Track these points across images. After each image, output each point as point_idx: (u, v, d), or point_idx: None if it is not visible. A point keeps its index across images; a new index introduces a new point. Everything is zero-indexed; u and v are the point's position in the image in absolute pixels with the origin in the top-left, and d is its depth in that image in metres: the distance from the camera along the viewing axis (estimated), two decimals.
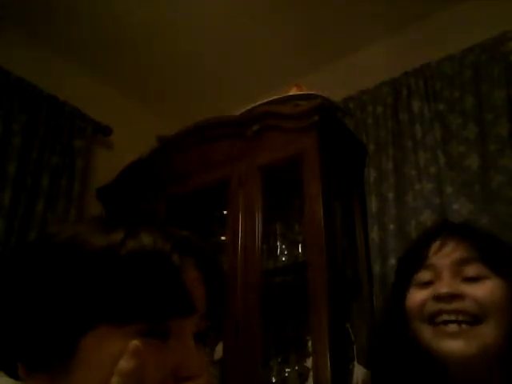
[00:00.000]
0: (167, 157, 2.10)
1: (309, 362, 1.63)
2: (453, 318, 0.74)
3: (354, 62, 2.26)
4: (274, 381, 1.68)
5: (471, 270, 0.78)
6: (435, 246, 0.82)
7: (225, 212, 1.89)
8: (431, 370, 0.77)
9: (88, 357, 0.44)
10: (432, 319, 0.77)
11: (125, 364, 0.42)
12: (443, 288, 0.77)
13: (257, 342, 1.57)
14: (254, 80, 2.45)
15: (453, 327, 0.74)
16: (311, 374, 1.49)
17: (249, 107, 1.91)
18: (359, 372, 1.45)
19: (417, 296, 0.80)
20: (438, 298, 0.76)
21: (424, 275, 0.81)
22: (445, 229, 0.85)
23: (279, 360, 1.73)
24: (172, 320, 0.46)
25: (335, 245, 1.63)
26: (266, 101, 1.89)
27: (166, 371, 0.45)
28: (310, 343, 1.56)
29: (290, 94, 1.90)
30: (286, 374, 1.69)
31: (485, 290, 0.75)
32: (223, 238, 1.92)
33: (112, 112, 2.44)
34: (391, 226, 1.77)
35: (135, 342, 0.42)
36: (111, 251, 0.46)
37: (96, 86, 2.45)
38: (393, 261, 1.72)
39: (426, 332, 0.77)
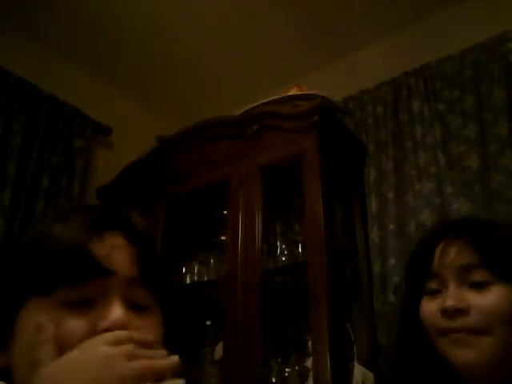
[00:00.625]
0: (167, 157, 2.10)
1: (309, 362, 1.63)
2: (459, 335, 0.75)
3: (354, 62, 2.26)
4: (273, 381, 1.68)
5: (476, 276, 0.77)
6: (438, 251, 0.81)
7: (225, 212, 1.89)
8: (452, 379, 0.78)
9: (20, 328, 0.50)
10: (442, 333, 0.78)
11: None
12: (449, 300, 0.76)
13: (257, 342, 1.57)
14: (253, 80, 2.45)
15: (460, 339, 0.75)
16: (311, 373, 1.49)
17: (249, 107, 1.91)
18: (359, 372, 1.45)
19: (427, 308, 0.81)
20: (444, 312, 0.77)
21: (431, 284, 0.81)
22: (446, 231, 0.84)
23: (279, 360, 1.73)
24: (88, 284, 0.51)
25: (335, 245, 1.63)
26: (265, 101, 1.89)
27: (86, 329, 0.49)
28: (309, 343, 1.56)
29: (290, 94, 1.90)
30: (286, 374, 1.69)
31: (491, 299, 0.75)
32: (223, 237, 1.92)
33: (112, 112, 2.44)
34: (391, 226, 1.77)
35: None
36: (40, 237, 0.54)
37: (96, 86, 2.45)
38: (393, 261, 1.72)
39: (440, 344, 0.78)
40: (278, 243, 1.81)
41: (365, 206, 1.87)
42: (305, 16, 2.11)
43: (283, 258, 1.78)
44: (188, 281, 2.01)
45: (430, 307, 0.80)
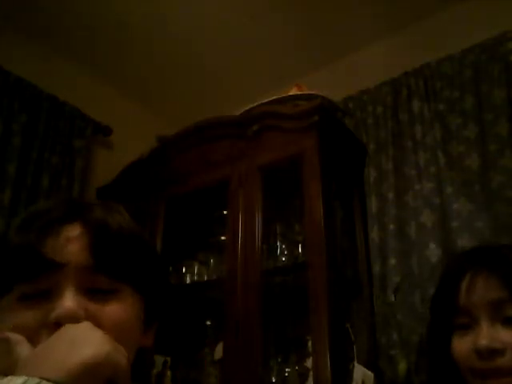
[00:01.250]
0: (167, 157, 2.10)
1: (309, 362, 1.63)
2: (501, 381, 0.72)
3: (354, 62, 2.26)
4: (273, 381, 1.68)
5: (509, 311, 0.74)
6: (464, 286, 0.78)
7: (225, 212, 1.89)
8: None
9: None
10: (479, 375, 0.74)
11: None
12: (482, 340, 0.73)
13: (257, 342, 1.57)
14: (253, 80, 2.45)
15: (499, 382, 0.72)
16: (311, 373, 1.49)
17: (249, 107, 1.91)
18: (359, 372, 1.45)
19: (460, 346, 0.77)
20: (479, 353, 0.73)
21: (461, 319, 0.78)
22: (470, 263, 0.80)
23: (279, 360, 1.73)
24: (42, 277, 0.52)
25: (335, 245, 1.63)
26: (266, 101, 1.89)
27: (38, 320, 0.50)
28: (309, 343, 1.56)
29: (290, 94, 1.90)
30: (286, 374, 1.69)
31: None
32: (223, 237, 1.92)
33: (112, 112, 2.44)
34: (391, 226, 1.77)
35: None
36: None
37: (96, 86, 2.45)
38: (393, 261, 1.72)
39: None
40: (278, 243, 1.81)
41: (365, 206, 1.87)
42: (305, 16, 2.11)
43: (283, 258, 1.78)
44: (188, 281, 2.00)
45: (462, 345, 0.77)
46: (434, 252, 1.63)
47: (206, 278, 1.98)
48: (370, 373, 1.47)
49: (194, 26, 2.17)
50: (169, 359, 1.89)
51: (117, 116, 2.46)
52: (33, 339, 0.49)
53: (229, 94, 2.52)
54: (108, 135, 2.39)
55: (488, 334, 0.73)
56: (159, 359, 1.87)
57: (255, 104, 1.90)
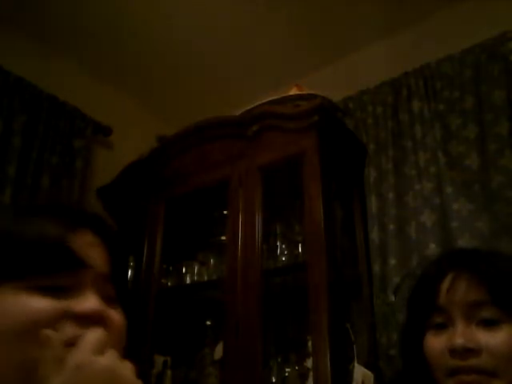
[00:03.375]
0: (167, 157, 2.10)
1: (309, 362, 1.63)
2: (471, 377, 0.72)
3: (354, 62, 2.26)
4: (273, 381, 1.68)
5: (486, 313, 0.74)
6: (445, 286, 0.78)
7: (225, 212, 1.89)
8: None
9: None
10: (451, 373, 0.74)
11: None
12: (458, 338, 0.73)
13: (257, 342, 1.57)
14: (254, 80, 2.45)
15: (472, 381, 0.72)
16: (311, 373, 1.49)
17: (249, 107, 1.91)
18: (359, 372, 1.45)
19: (433, 344, 0.78)
20: (453, 351, 0.74)
21: (437, 319, 0.78)
22: (451, 265, 0.81)
23: (279, 360, 1.73)
24: (65, 274, 0.53)
25: (335, 245, 1.63)
26: (265, 101, 1.89)
27: (58, 313, 0.50)
28: (310, 343, 1.56)
29: (290, 94, 1.90)
30: (286, 374, 1.69)
31: (502, 340, 0.72)
32: (223, 237, 1.92)
33: (112, 112, 2.44)
34: (391, 226, 1.77)
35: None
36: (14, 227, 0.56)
37: (96, 86, 2.45)
38: (393, 261, 1.72)
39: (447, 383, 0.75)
40: (278, 243, 1.81)
41: (365, 206, 1.87)
42: (305, 16, 2.11)
43: (283, 258, 1.78)
44: (188, 281, 2.00)
45: (436, 344, 0.77)
46: (433, 252, 1.63)
47: (206, 278, 1.98)
48: (370, 373, 1.47)
49: (194, 25, 2.17)
50: (169, 359, 1.89)
51: (117, 116, 2.46)
52: (52, 326, 0.49)
53: (229, 94, 2.52)
54: (108, 135, 2.39)
55: (464, 333, 0.74)
56: (159, 359, 1.87)
57: (255, 104, 1.90)
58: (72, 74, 2.34)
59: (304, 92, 1.89)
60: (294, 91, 1.91)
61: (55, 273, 0.52)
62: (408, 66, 1.96)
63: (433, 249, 1.64)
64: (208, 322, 2.05)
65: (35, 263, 0.52)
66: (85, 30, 2.19)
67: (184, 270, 2.03)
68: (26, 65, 2.11)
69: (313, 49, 2.28)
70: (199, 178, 1.95)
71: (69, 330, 0.49)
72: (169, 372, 1.88)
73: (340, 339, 1.48)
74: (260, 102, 1.90)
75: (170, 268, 2.05)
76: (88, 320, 0.51)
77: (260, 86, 2.41)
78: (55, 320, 0.49)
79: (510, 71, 1.70)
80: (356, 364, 1.46)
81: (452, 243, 1.62)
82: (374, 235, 1.79)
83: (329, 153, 1.73)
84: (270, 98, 1.89)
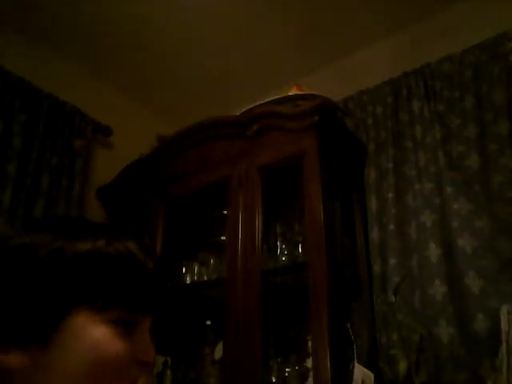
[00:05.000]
0: (167, 157, 2.10)
1: (309, 362, 1.63)
2: None
3: (354, 62, 2.26)
4: (273, 381, 1.68)
5: None
6: None
7: (225, 212, 1.89)
8: None
9: (66, 339, 0.50)
10: None
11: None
12: None
13: (257, 342, 1.57)
14: (253, 80, 2.45)
15: None
16: (311, 374, 1.49)
17: (249, 107, 1.91)
18: (359, 372, 1.45)
19: None
20: None
21: None
22: None
23: (279, 360, 1.73)
24: (141, 315, 0.55)
25: (335, 245, 1.63)
26: (265, 101, 1.89)
27: (130, 355, 0.53)
28: (310, 343, 1.56)
29: (290, 94, 1.90)
30: (286, 374, 1.69)
31: None
32: (223, 238, 1.92)
33: (112, 112, 2.44)
34: (391, 226, 1.77)
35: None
36: (98, 253, 0.53)
37: (96, 86, 2.45)
38: (393, 261, 1.72)
39: None
40: (278, 243, 1.81)
41: (365, 206, 1.87)
42: (305, 16, 2.11)
43: (283, 258, 1.78)
44: (188, 281, 2.00)
45: None
46: (433, 252, 1.63)
47: (205, 278, 1.98)
48: (370, 373, 1.47)
49: (194, 26, 2.17)
50: (169, 359, 1.89)
51: (117, 116, 2.46)
52: (123, 373, 0.52)
53: (229, 94, 2.52)
54: (108, 135, 2.39)
55: None
56: (159, 359, 1.87)
57: (255, 104, 1.90)
58: (72, 74, 2.34)
59: (304, 92, 1.89)
60: (293, 91, 1.91)
61: (137, 312, 0.55)
62: (408, 66, 1.96)
63: (433, 249, 1.64)
64: (208, 322, 2.06)
65: (124, 300, 0.53)
66: (85, 29, 2.19)
67: (184, 270, 2.03)
68: (26, 65, 2.12)
69: (313, 49, 2.28)
70: (199, 178, 1.95)
71: (133, 373, 0.53)
72: (169, 372, 1.88)
73: (340, 339, 1.48)
74: (260, 102, 1.90)
75: (170, 268, 2.05)
76: (147, 366, 0.55)
77: (260, 85, 2.41)
78: (126, 364, 0.52)
79: (510, 71, 1.70)
80: (356, 364, 1.46)
81: (452, 243, 1.62)
82: (374, 235, 1.79)
83: (329, 153, 1.73)
84: (270, 98, 1.89)
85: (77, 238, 0.54)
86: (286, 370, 1.70)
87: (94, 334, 0.51)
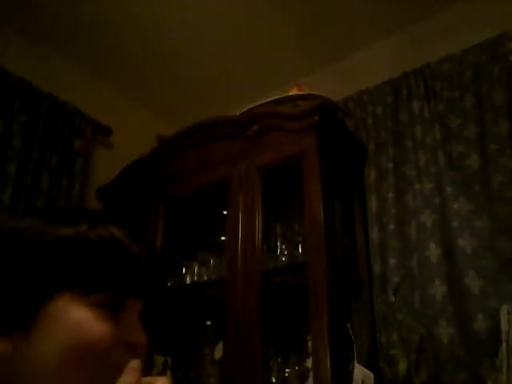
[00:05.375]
0: (167, 157, 2.10)
1: (309, 362, 1.63)
2: None
3: (354, 62, 2.26)
4: (273, 381, 1.68)
5: None
6: None
7: (225, 212, 1.89)
8: None
9: (48, 323, 0.49)
10: None
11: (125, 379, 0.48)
12: None
13: (257, 342, 1.57)
14: (254, 80, 2.45)
15: None
16: (311, 374, 1.48)
17: (249, 107, 1.91)
18: (359, 372, 1.45)
19: None
20: None
21: None
22: None
23: (279, 360, 1.73)
24: (128, 298, 0.54)
25: (335, 245, 1.63)
26: (265, 101, 1.89)
27: (115, 338, 0.51)
28: (310, 343, 1.56)
29: (290, 94, 1.90)
30: (286, 374, 1.69)
31: None
32: (223, 238, 1.92)
33: (112, 112, 2.44)
34: (391, 226, 1.77)
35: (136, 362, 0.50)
36: (80, 237, 0.53)
37: (96, 86, 2.45)
38: (393, 261, 1.72)
39: None
40: (278, 243, 1.81)
41: (365, 206, 1.87)
42: (305, 16, 2.11)
43: (283, 258, 1.77)
44: (188, 281, 2.00)
45: None
46: (433, 252, 1.63)
47: (205, 278, 1.98)
48: (370, 373, 1.47)
49: (193, 26, 2.17)
50: (169, 359, 1.89)
51: (117, 116, 2.46)
52: (109, 357, 0.50)
53: (229, 94, 2.52)
54: (108, 135, 2.39)
55: None
56: (159, 359, 1.87)
57: (255, 104, 1.90)
58: (72, 74, 2.34)
59: (304, 92, 1.88)
60: (294, 91, 1.91)
61: (122, 296, 0.53)
62: (408, 66, 1.96)
63: (433, 249, 1.64)
64: (208, 322, 2.06)
65: (108, 283, 0.52)
66: (85, 29, 2.19)
67: (184, 270, 2.02)
68: (26, 65, 2.12)
69: (313, 49, 2.28)
70: (199, 178, 1.95)
71: (119, 355, 0.51)
72: (169, 372, 1.88)
73: (340, 339, 1.48)
74: (260, 102, 1.90)
75: (170, 268, 2.05)
76: (135, 349, 0.52)
77: (260, 85, 2.41)
78: (111, 348, 0.50)
79: (510, 71, 1.70)
80: (356, 364, 1.46)
81: (452, 243, 1.62)
82: (374, 235, 1.79)
83: (329, 153, 1.73)
84: (270, 98, 1.89)
85: (61, 223, 0.54)
86: (286, 370, 1.70)
87: (76, 315, 0.49)
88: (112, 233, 0.55)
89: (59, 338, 0.48)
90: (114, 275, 0.52)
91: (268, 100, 1.89)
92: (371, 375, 1.47)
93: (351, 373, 1.45)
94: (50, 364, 0.48)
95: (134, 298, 0.55)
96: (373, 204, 1.84)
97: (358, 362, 1.47)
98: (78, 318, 0.49)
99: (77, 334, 0.49)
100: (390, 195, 1.81)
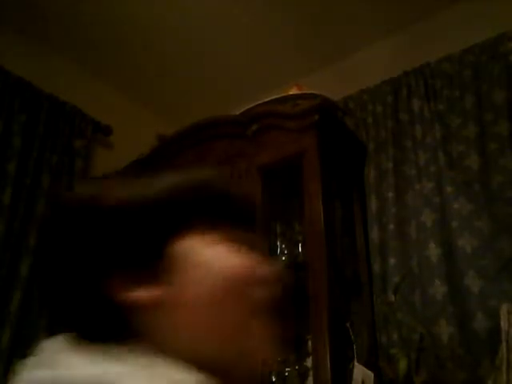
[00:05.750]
0: (167, 156, 2.10)
1: (309, 362, 1.63)
2: None
3: (354, 62, 2.26)
4: (273, 380, 1.68)
5: None
6: None
7: None
8: None
9: (183, 267, 0.48)
10: None
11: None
12: None
13: None
14: (254, 80, 2.45)
15: None
16: (311, 373, 1.48)
17: (249, 107, 1.91)
18: (359, 372, 1.45)
19: None
20: None
21: None
22: None
23: (279, 360, 1.73)
24: (246, 232, 0.54)
25: (335, 245, 1.63)
26: (265, 100, 1.89)
27: (247, 273, 0.50)
28: (309, 343, 1.55)
29: (290, 93, 1.90)
30: (286, 374, 1.69)
31: None
32: None
33: (112, 112, 2.44)
34: (391, 226, 1.77)
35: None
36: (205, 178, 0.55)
37: (96, 86, 2.45)
38: (393, 261, 1.72)
39: None
40: (278, 243, 1.81)
41: (365, 206, 1.87)
42: (305, 16, 2.11)
43: (283, 258, 1.77)
44: None
45: None
46: (433, 252, 1.63)
47: None
48: (370, 373, 1.47)
49: (193, 25, 2.17)
50: None
51: (117, 116, 2.46)
52: (245, 293, 0.49)
53: (229, 94, 2.52)
54: (108, 135, 2.39)
55: None
56: None
57: (255, 104, 1.90)
58: (72, 74, 2.34)
59: (304, 92, 1.88)
60: (293, 91, 1.91)
61: (243, 230, 0.54)
62: (408, 66, 1.96)
63: (433, 249, 1.64)
64: None
65: (231, 215, 0.53)
66: (85, 29, 2.19)
67: None
68: (26, 65, 2.12)
69: (313, 49, 2.28)
70: None
71: (256, 293, 0.49)
72: None
73: (340, 339, 1.48)
74: (260, 102, 1.90)
75: None
76: (267, 283, 0.51)
77: (260, 85, 2.41)
78: (244, 284, 0.49)
79: (510, 71, 1.70)
80: (356, 364, 1.46)
81: (452, 243, 1.62)
82: (374, 235, 1.79)
83: (329, 152, 1.73)
84: (270, 98, 1.89)
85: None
86: (286, 369, 1.69)
87: (208, 253, 0.49)
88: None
89: (204, 279, 0.47)
90: (231, 209, 0.53)
91: (268, 99, 1.88)
92: (371, 374, 1.47)
93: (351, 372, 1.45)
94: (194, 306, 0.47)
95: (249, 231, 0.55)
96: (373, 203, 1.84)
97: (358, 362, 1.46)
98: (210, 255, 0.49)
99: (213, 270, 0.48)
100: (390, 195, 1.81)
